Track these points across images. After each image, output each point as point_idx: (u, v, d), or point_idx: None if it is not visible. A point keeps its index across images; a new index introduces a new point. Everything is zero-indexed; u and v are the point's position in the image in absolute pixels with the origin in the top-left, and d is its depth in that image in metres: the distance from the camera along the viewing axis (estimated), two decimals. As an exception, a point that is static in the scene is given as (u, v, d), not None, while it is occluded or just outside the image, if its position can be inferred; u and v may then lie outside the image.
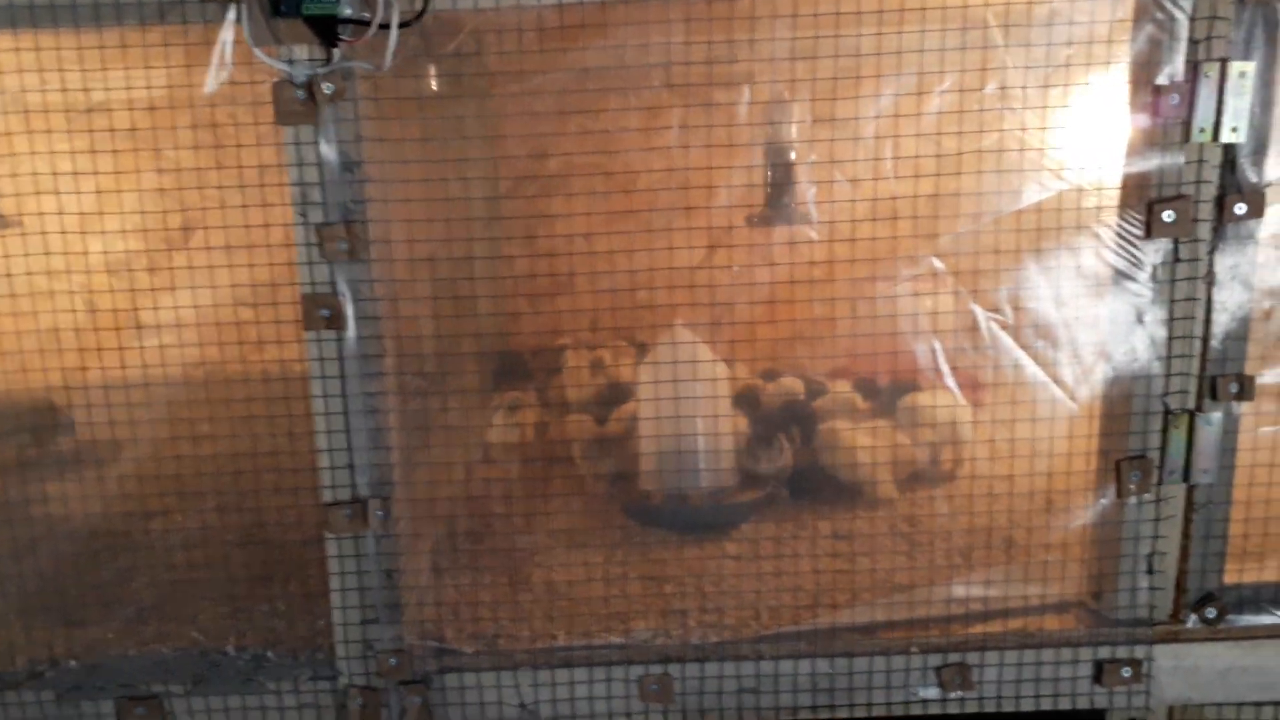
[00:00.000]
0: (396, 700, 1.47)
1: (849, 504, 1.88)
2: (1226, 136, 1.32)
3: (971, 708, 1.48)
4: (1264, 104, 1.33)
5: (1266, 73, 1.32)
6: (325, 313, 1.36)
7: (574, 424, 2.08)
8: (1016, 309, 1.45)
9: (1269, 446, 1.43)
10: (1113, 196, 1.37)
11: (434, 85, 1.57)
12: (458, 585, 1.64)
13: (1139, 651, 1.46)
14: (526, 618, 1.55)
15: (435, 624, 1.53)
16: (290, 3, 1.24)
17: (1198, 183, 1.34)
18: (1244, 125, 1.32)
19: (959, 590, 1.53)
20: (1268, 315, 1.43)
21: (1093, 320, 1.42)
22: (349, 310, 1.36)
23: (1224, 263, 1.36)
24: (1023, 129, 1.35)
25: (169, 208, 1.62)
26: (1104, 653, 1.46)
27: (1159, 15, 1.29)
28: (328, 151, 1.33)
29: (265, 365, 1.54)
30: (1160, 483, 1.42)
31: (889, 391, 2.04)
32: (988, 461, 1.48)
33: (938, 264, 1.44)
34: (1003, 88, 1.34)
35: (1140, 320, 1.38)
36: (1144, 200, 1.35)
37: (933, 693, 1.48)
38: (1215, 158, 1.33)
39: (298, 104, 1.31)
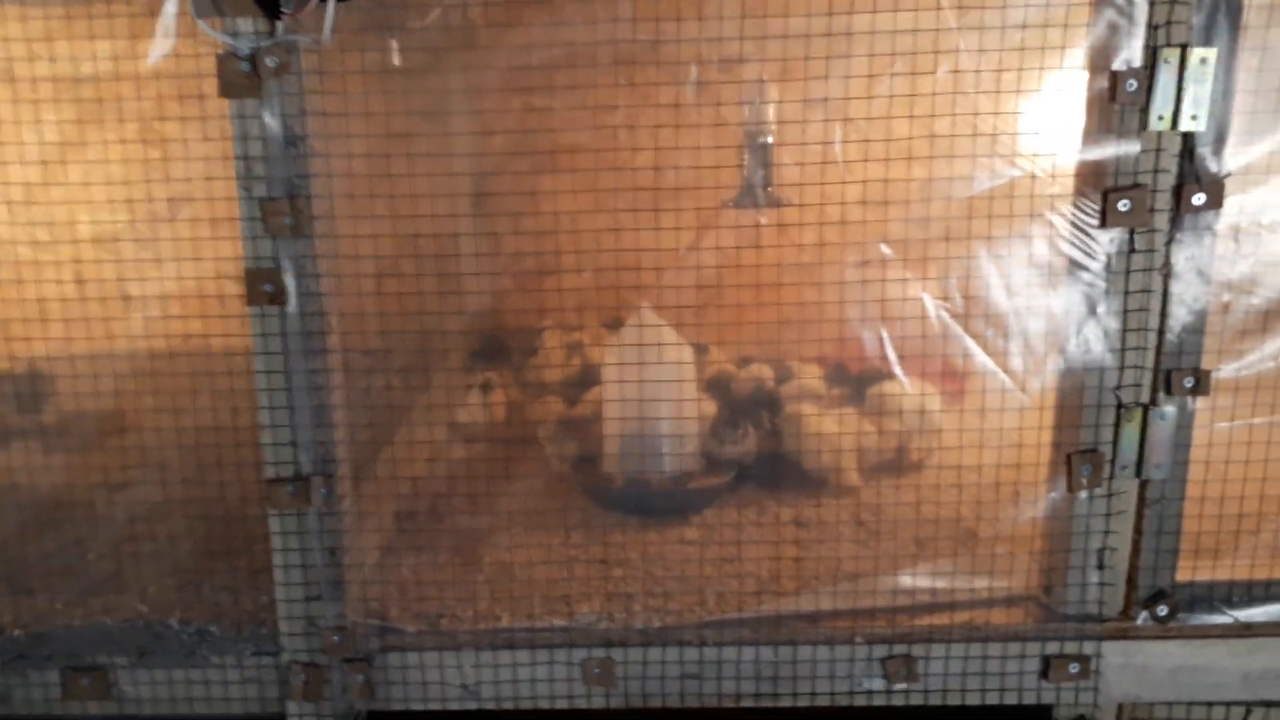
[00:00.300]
0: (339, 677, 1.47)
1: (813, 491, 1.86)
2: (1186, 125, 1.28)
3: (917, 700, 1.46)
4: (1225, 92, 1.29)
5: (1228, 59, 1.28)
6: (268, 288, 1.36)
7: (539, 406, 2.07)
8: (966, 297, 1.42)
9: (1225, 442, 1.39)
10: (1067, 184, 1.34)
11: (386, 60, 1.55)
12: (409, 564, 1.64)
13: (1088, 648, 1.44)
14: (473, 599, 1.54)
15: (380, 602, 1.53)
16: (231, -27, 1.23)
17: (1155, 171, 1.31)
18: (1204, 113, 1.28)
19: (907, 581, 1.51)
20: (1226, 309, 1.39)
21: (1044, 310, 1.39)
22: (291, 285, 1.36)
23: (1181, 254, 1.33)
24: (975, 114, 1.32)
25: (133, 179, 1.62)
26: (1052, 648, 1.44)
27: (1118, -1, 1.26)
28: (272, 125, 1.32)
29: (226, 341, 1.53)
30: (1112, 477, 1.39)
31: (857, 380, 2.02)
32: (946, 451, 1.46)
33: (886, 250, 1.41)
34: (955, 71, 1.31)
35: (1093, 311, 1.35)
36: (1099, 189, 1.32)
37: (878, 684, 1.46)
38: (1174, 146, 1.30)
39: (242, 76, 1.30)
